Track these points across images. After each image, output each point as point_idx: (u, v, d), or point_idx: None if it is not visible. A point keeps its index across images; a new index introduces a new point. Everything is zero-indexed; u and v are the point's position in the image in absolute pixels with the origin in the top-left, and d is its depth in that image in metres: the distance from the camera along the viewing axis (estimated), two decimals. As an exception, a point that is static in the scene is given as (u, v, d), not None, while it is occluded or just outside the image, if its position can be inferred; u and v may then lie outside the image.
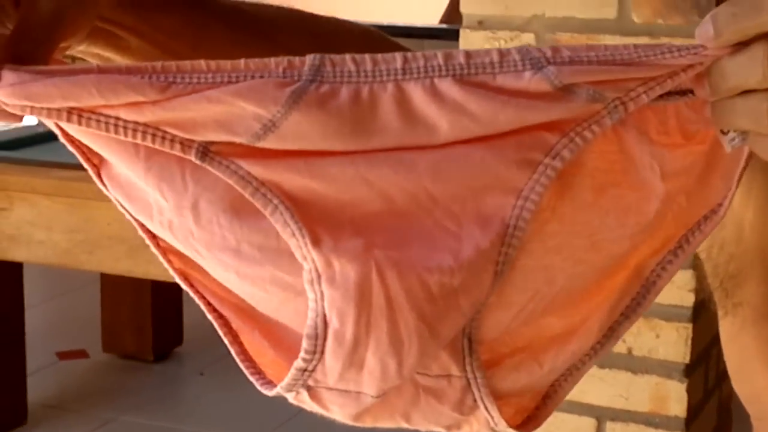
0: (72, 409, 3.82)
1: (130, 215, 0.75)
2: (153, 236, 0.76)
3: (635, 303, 0.76)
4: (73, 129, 0.72)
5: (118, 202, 0.75)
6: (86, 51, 0.81)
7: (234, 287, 0.75)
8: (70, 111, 0.69)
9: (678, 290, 2.07)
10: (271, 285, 0.73)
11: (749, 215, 0.91)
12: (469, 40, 2.16)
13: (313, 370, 0.73)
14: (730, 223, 0.91)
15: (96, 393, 3.93)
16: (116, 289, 4.08)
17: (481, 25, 2.15)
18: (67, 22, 0.74)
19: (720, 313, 0.98)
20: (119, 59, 0.82)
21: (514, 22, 2.12)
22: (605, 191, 0.72)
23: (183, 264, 0.77)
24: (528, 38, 2.11)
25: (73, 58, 0.86)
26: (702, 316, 2.11)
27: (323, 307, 0.71)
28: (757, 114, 0.63)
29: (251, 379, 0.78)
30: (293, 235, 0.70)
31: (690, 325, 2.08)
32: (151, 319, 4.10)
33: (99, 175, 0.75)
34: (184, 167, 0.71)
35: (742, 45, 0.63)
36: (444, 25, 6.50)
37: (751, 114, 0.64)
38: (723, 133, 0.68)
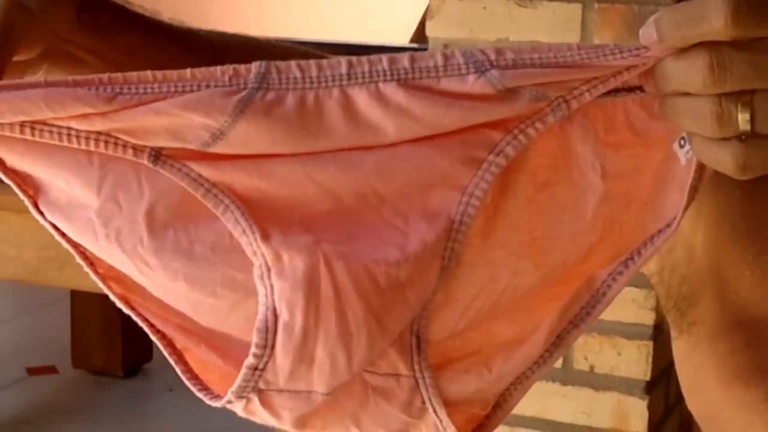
0: (42, 425, 3.82)
1: (69, 241, 0.76)
2: (91, 263, 0.77)
3: (584, 312, 0.76)
4: (15, 152, 0.73)
5: (56, 229, 0.76)
6: (49, 72, 0.83)
7: (180, 299, 0.76)
8: (22, 124, 0.70)
9: (639, 309, 2.10)
10: (222, 288, 0.73)
11: (699, 237, 0.92)
12: (436, 62, 2.19)
13: (263, 369, 0.74)
14: (680, 246, 0.92)
15: (66, 409, 3.94)
16: (86, 306, 4.08)
17: (446, 48, 2.18)
18: (15, 39, 0.76)
19: (674, 334, 0.99)
20: None
21: (479, 46, 2.15)
22: (545, 188, 0.74)
23: (123, 289, 0.78)
24: (493, 61, 2.15)
25: None
26: (662, 334, 2.14)
27: (273, 300, 0.72)
28: (699, 116, 0.65)
29: (199, 395, 0.79)
30: (243, 232, 0.72)
31: (651, 343, 2.12)
32: (121, 335, 4.11)
33: (36, 205, 0.76)
34: (139, 173, 0.73)
35: (683, 49, 0.65)
36: (414, 45, 6.54)
37: (693, 115, 0.66)
38: (680, 146, 0.70)
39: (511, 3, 2.12)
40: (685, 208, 0.72)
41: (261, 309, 0.73)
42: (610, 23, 2.06)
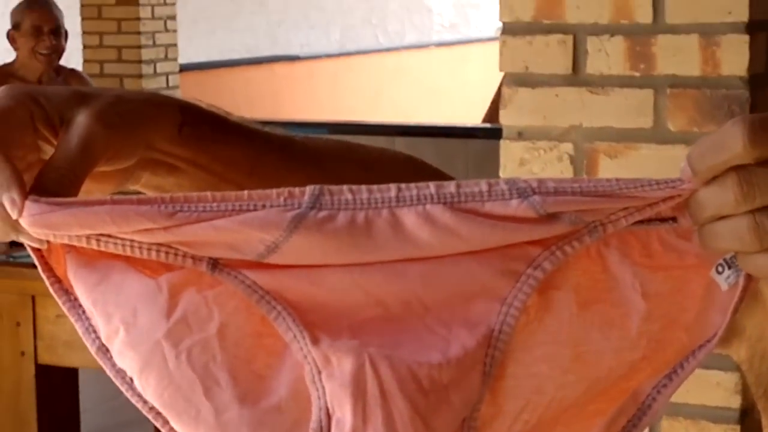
0: None
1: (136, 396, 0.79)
2: (144, 402, 0.79)
3: (631, 425, 0.79)
4: (89, 283, 0.77)
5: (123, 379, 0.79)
6: (147, 183, 0.86)
7: (242, 424, 0.77)
8: (88, 236, 0.74)
9: (725, 392, 2.09)
10: (288, 401, 0.77)
11: None
12: (510, 150, 2.21)
13: None
14: None
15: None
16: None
17: (520, 136, 2.20)
18: (93, 157, 0.78)
19: (765, 422, 0.99)
20: (178, 189, 0.86)
21: (553, 133, 2.18)
22: (589, 306, 0.77)
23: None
24: (566, 148, 2.17)
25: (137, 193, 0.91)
26: (749, 419, 2.12)
27: (325, 401, 0.75)
28: (739, 234, 0.70)
29: None
30: (294, 337, 0.75)
31: (738, 427, 2.10)
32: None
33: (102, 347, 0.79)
34: (207, 298, 0.77)
35: (714, 178, 0.70)
36: (487, 125, 6.58)
37: (734, 235, 0.70)
38: (718, 272, 0.74)
39: (582, 90, 2.14)
40: (727, 326, 0.76)
41: (314, 410, 0.76)
42: (683, 108, 2.08)
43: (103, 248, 0.75)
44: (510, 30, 2.20)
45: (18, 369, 3.89)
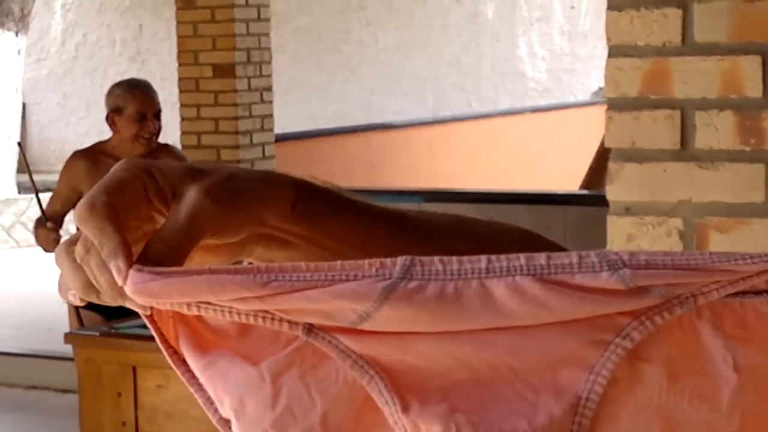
0: None
1: None
2: None
3: None
4: (197, 368, 0.80)
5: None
6: (260, 257, 0.87)
7: None
8: (189, 304, 0.77)
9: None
10: None
11: None
12: (617, 225, 2.19)
13: None
14: None
15: None
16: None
17: (628, 211, 2.17)
18: (201, 230, 0.81)
19: None
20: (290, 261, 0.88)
21: (661, 208, 2.15)
22: (680, 378, 0.77)
23: None
24: (675, 223, 2.13)
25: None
26: None
27: None
28: None
29: None
30: (386, 403, 0.77)
31: None
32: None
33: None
34: (309, 385, 0.79)
35: None
36: (585, 191, 6.54)
37: None
38: None
39: (691, 165, 2.11)
40: None
41: None
42: (796, 182, 2.03)
43: (203, 314, 0.78)
44: (616, 105, 2.18)
45: (119, 440, 3.93)
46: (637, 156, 2.16)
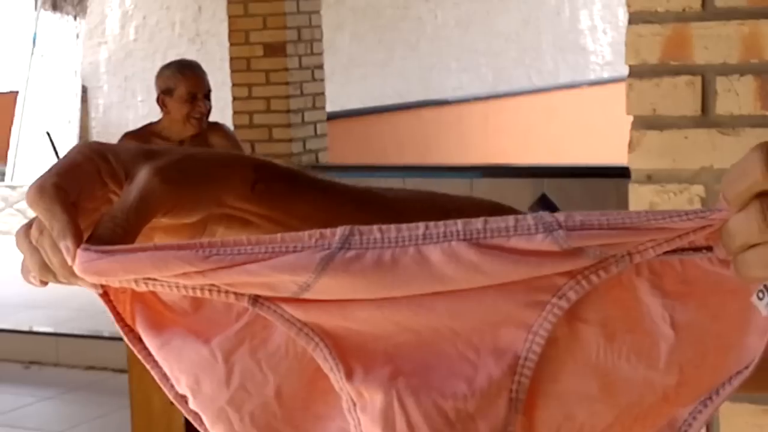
0: None
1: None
2: None
3: None
4: (153, 347, 0.83)
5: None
6: (224, 234, 0.88)
7: None
8: (136, 280, 0.79)
9: None
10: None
11: None
12: (638, 193, 2.17)
13: None
14: None
15: None
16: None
17: (649, 179, 2.16)
18: (150, 210, 0.82)
19: None
20: None
21: (683, 175, 2.13)
22: (618, 336, 0.78)
23: None
24: (697, 190, 2.11)
25: None
26: None
27: (360, 431, 0.79)
28: (766, 262, 0.70)
29: None
30: (331, 369, 0.79)
31: None
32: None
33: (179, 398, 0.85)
34: (260, 362, 0.81)
35: (744, 206, 0.70)
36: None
37: (761, 263, 0.70)
38: (759, 298, 0.74)
39: (713, 131, 2.09)
40: (764, 354, 0.75)
41: None
42: (817, 147, 2.00)
43: (151, 289, 0.80)
44: (637, 73, 2.16)
45: (168, 416, 3.96)
46: (658, 123, 2.14)
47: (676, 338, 0.77)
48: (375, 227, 0.77)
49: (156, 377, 0.84)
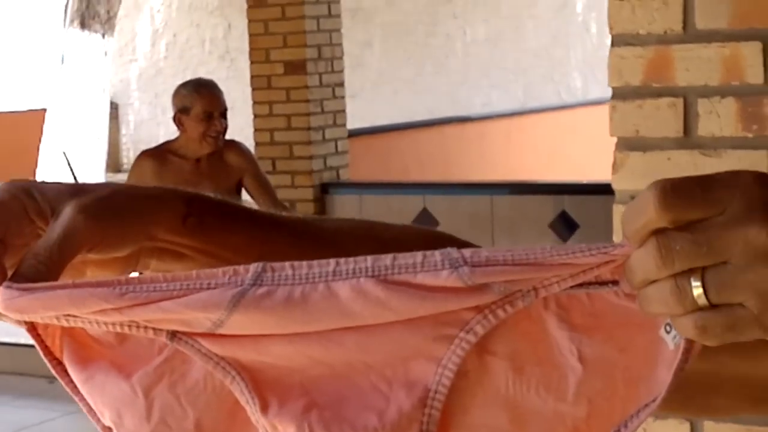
0: None
1: None
2: None
3: None
4: (78, 380, 0.84)
5: None
6: (156, 270, 0.89)
7: None
8: (58, 317, 0.81)
9: None
10: None
11: None
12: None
13: None
14: None
15: None
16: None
17: (632, 199, 2.16)
18: (74, 246, 0.83)
19: None
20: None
21: (665, 197, 2.14)
22: (527, 369, 0.79)
23: None
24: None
25: None
26: None
27: None
28: (664, 298, 0.70)
29: None
30: (247, 402, 0.81)
31: None
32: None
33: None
34: (179, 396, 0.83)
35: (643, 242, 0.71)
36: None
37: (660, 299, 0.71)
38: (666, 332, 0.75)
39: (695, 152, 2.10)
40: (670, 387, 0.76)
41: None
42: (794, 169, 2.01)
43: (72, 324, 0.82)
44: (620, 95, 2.18)
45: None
46: (641, 145, 2.16)
47: (584, 371, 0.78)
48: (288, 264, 0.78)
49: (84, 409, 0.86)
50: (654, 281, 0.71)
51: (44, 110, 13.02)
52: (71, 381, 0.85)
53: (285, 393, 0.81)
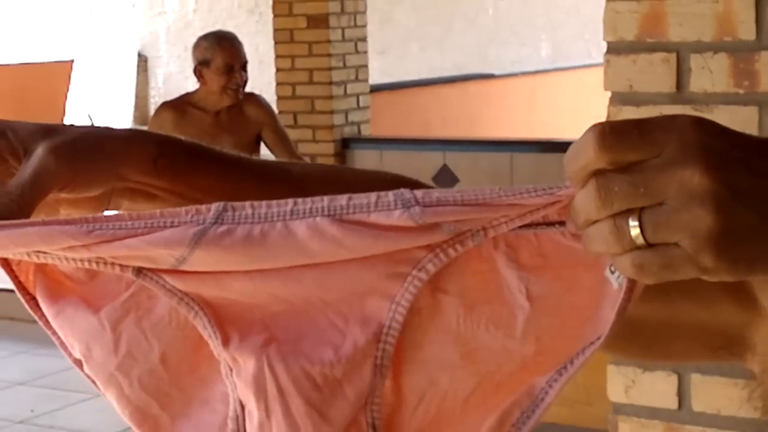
0: None
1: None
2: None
3: (525, 416, 0.83)
4: (50, 314, 0.88)
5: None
6: (129, 207, 0.93)
7: (191, 422, 0.88)
8: (28, 253, 0.84)
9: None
10: (219, 403, 0.87)
11: None
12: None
13: None
14: None
15: None
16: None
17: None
18: (45, 185, 0.86)
19: None
20: None
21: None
22: (477, 307, 0.82)
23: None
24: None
25: None
26: None
27: (237, 395, 0.84)
28: (604, 238, 0.72)
29: None
30: (210, 336, 0.84)
31: None
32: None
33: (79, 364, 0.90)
34: (145, 331, 0.86)
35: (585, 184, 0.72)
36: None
37: (600, 239, 0.73)
38: (611, 272, 0.77)
39: (687, 108, 2.11)
40: (613, 325, 0.78)
41: (231, 401, 0.85)
42: (785, 125, 2.02)
43: (42, 260, 0.85)
44: (614, 49, 2.18)
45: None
46: (634, 99, 2.17)
47: (531, 309, 0.81)
48: (248, 203, 0.81)
49: (56, 342, 0.89)
50: (595, 221, 0.72)
51: (72, 61, 13.07)
52: (43, 315, 0.88)
53: (246, 328, 0.84)
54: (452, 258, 0.81)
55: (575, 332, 0.81)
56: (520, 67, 13.51)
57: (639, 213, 0.71)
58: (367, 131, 7.84)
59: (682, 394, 2.16)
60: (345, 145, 7.65)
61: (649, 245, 0.71)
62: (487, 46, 16.87)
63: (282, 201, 0.81)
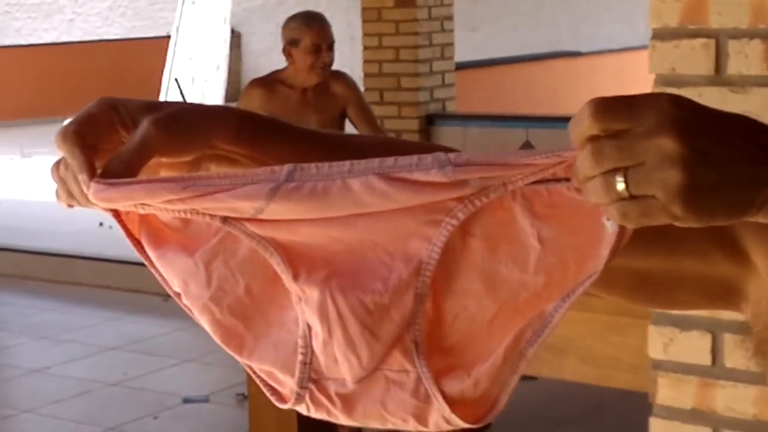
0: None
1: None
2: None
3: (536, 335, 1.00)
4: (154, 256, 1.06)
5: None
6: (216, 170, 1.10)
7: (269, 340, 1.06)
8: (135, 205, 1.02)
9: None
10: (294, 324, 1.04)
11: None
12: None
13: (310, 363, 1.04)
14: (764, 298, 1.07)
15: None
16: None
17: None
18: (149, 151, 1.04)
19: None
20: None
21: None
22: (498, 247, 0.99)
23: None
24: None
25: None
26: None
27: (305, 318, 1.03)
28: (597, 191, 0.87)
29: (272, 399, 1.08)
30: (283, 272, 1.02)
31: None
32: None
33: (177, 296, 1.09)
34: (232, 268, 1.05)
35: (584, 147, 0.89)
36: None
37: (594, 192, 0.87)
38: (607, 219, 0.92)
39: (724, 90, 2.26)
40: (607, 262, 0.95)
41: (300, 324, 1.04)
42: (814, 106, 2.16)
43: (146, 211, 1.03)
44: (659, 35, 2.34)
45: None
46: (676, 81, 2.32)
47: (542, 249, 0.98)
48: (313, 165, 0.99)
49: (159, 279, 1.07)
50: (591, 178, 0.87)
51: (168, 37, 13.33)
52: (148, 257, 1.07)
53: (311, 265, 1.02)
54: (478, 207, 0.98)
55: (579, 268, 0.97)
56: (614, 44, 13.52)
57: (624, 171, 0.85)
58: (452, 108, 7.96)
59: (715, 351, 2.31)
60: (429, 121, 7.78)
61: (632, 197, 0.85)
62: (579, 22, 16.85)
63: (341, 162, 0.98)
